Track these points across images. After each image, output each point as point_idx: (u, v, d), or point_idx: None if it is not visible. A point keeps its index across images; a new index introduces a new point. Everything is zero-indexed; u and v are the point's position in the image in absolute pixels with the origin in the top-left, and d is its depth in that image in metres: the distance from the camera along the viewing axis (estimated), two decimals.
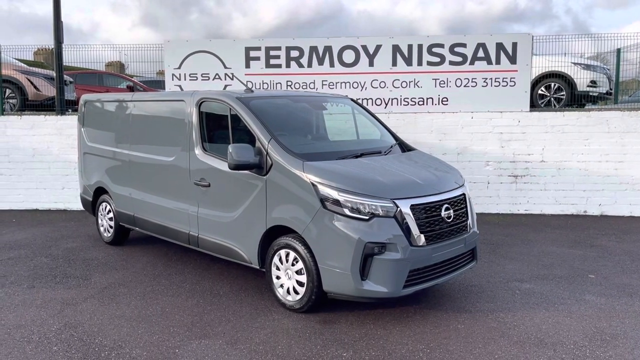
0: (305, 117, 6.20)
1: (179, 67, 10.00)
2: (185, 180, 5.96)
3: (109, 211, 7.42)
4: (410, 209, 4.63)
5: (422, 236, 4.63)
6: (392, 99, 9.74)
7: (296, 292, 4.96)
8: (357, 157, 5.35)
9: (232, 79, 9.90)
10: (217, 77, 9.92)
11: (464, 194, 5.25)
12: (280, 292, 5.12)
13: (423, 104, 9.72)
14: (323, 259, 4.67)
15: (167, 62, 10.03)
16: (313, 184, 4.74)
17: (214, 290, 5.66)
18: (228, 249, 5.58)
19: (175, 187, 6.14)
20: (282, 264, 5.06)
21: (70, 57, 11.54)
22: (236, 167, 5.06)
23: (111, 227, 7.44)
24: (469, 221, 5.20)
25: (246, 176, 5.26)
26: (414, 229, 4.60)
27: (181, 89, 9.97)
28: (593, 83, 10.84)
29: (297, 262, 4.91)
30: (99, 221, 7.69)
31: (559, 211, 9.47)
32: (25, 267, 6.52)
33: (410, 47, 9.63)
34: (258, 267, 5.34)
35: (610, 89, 11.24)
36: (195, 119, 5.88)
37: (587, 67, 10.86)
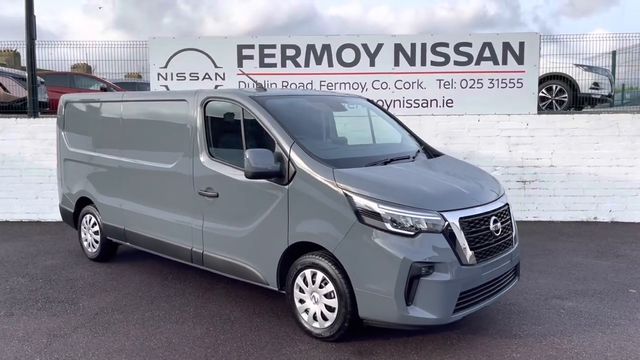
0: (324, 119, 5.59)
1: (165, 66, 9.27)
2: (187, 190, 5.27)
3: (94, 224, 6.64)
4: (459, 222, 4.06)
5: (472, 253, 4.07)
6: (394, 101, 9.20)
7: (325, 319, 4.33)
8: (386, 163, 4.76)
9: (223, 79, 9.23)
10: (207, 76, 9.23)
11: (507, 204, 4.72)
12: (304, 318, 4.48)
13: (427, 106, 9.21)
14: (360, 281, 4.06)
15: (152, 61, 9.28)
16: (346, 195, 4.13)
17: (223, 314, 4.99)
18: (240, 268, 4.92)
19: (176, 198, 5.44)
20: (307, 285, 4.42)
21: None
22: (254, 175, 4.41)
23: (96, 241, 6.67)
24: (514, 234, 4.67)
25: (263, 185, 4.61)
26: (464, 245, 4.03)
27: (167, 89, 9.23)
28: (596, 85, 10.52)
29: (326, 284, 4.28)
30: (82, 235, 6.90)
31: (569, 218, 9.07)
32: (0, 290, 5.72)
33: (413, 46, 9.12)
34: (277, 289, 4.69)
35: (612, 91, 10.96)
36: (200, 121, 5.20)
37: (590, 68, 10.53)
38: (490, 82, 9.12)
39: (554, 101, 10.58)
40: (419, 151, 5.37)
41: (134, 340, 4.43)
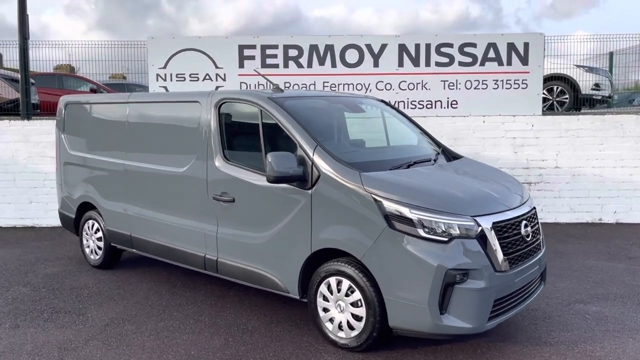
0: (342, 121, 5.42)
1: (164, 67, 9.04)
2: (201, 195, 5.07)
3: (97, 230, 6.41)
4: (492, 227, 3.93)
5: (505, 259, 3.94)
6: (398, 102, 9.06)
7: (351, 328, 4.17)
8: (409, 166, 4.61)
9: (224, 80, 9.03)
10: (207, 77, 9.03)
11: (534, 208, 4.61)
12: (329, 327, 4.31)
13: (431, 107, 9.11)
14: (390, 289, 3.90)
15: (151, 61, 9.06)
16: (375, 199, 3.97)
17: (241, 324, 4.80)
18: (258, 276, 4.74)
19: (188, 203, 5.24)
20: (331, 294, 4.26)
21: (12, 57, 10.19)
22: (276, 179, 4.23)
23: (100, 248, 6.43)
24: (542, 238, 4.56)
25: (284, 190, 4.43)
26: (498, 251, 3.90)
27: (167, 90, 9.01)
28: (597, 86, 10.52)
29: (352, 292, 4.12)
30: (84, 241, 6.65)
31: (574, 219, 9.02)
32: (2, 301, 5.47)
33: (417, 46, 9.01)
34: (298, 297, 4.51)
35: (612, 92, 10.97)
36: (214, 123, 5.01)
37: (591, 69, 10.53)
38: (495, 83, 9.04)
39: (555, 102, 10.56)
40: (438, 153, 5.23)
41: (151, 353, 4.23)
